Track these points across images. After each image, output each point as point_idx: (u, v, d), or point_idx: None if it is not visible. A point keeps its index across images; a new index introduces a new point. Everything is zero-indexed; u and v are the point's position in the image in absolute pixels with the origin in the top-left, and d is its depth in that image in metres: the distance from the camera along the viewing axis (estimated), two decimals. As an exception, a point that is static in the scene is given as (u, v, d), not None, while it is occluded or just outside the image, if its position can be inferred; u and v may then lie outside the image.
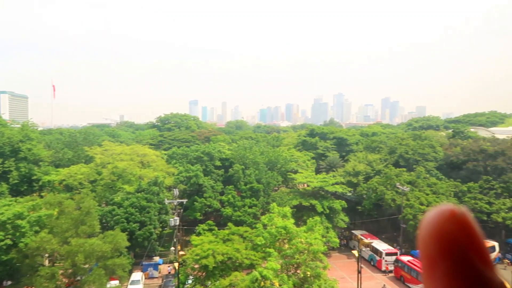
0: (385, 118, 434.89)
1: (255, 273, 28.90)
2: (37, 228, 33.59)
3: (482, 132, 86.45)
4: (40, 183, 54.00)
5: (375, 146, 71.51)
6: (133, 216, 43.10)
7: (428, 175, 55.69)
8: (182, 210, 51.13)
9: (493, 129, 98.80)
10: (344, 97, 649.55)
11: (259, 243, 33.78)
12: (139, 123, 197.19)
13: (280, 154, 62.59)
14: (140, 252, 44.79)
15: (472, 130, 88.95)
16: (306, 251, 32.54)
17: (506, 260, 48.46)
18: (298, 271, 32.53)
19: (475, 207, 50.56)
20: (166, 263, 46.06)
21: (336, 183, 52.27)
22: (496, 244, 48.84)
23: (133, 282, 39.00)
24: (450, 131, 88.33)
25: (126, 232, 39.60)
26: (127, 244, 36.28)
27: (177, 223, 45.36)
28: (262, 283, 28.90)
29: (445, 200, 50.62)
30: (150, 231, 42.94)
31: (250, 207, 49.69)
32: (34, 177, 53.26)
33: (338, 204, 50.12)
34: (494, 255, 48.22)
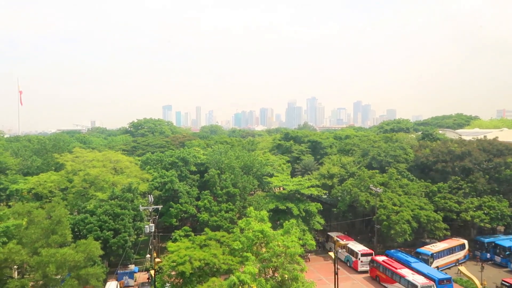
0: (357, 121, 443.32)
1: (233, 278, 28.73)
2: (4, 239, 32.28)
3: (450, 134, 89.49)
4: (8, 192, 51.94)
5: (348, 149, 72.73)
6: (106, 224, 42.02)
7: (400, 176, 57.08)
8: (157, 216, 50.31)
9: (459, 131, 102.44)
10: (317, 101, 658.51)
11: (237, 247, 33.65)
12: (111, 129, 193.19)
13: (255, 158, 62.66)
14: (115, 260, 43.72)
15: (440, 132, 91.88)
16: (283, 254, 32.59)
17: (477, 258, 50.11)
18: (275, 275, 32.53)
19: (445, 206, 52.20)
20: (142, 271, 45.14)
21: (312, 186, 52.76)
22: (465, 242, 50.60)
23: (107, 291, 37.95)
24: (419, 133, 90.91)
25: (100, 241, 38.57)
26: (101, 252, 35.36)
27: (153, 230, 44.57)
28: (240, 288, 28.77)
29: (417, 200, 52.04)
30: (124, 239, 41.96)
31: (226, 211, 49.41)
32: (1, 186, 51.16)
33: (314, 207, 50.59)
34: (464, 253, 49.91)
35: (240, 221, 38.03)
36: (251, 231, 34.12)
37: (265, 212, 37.39)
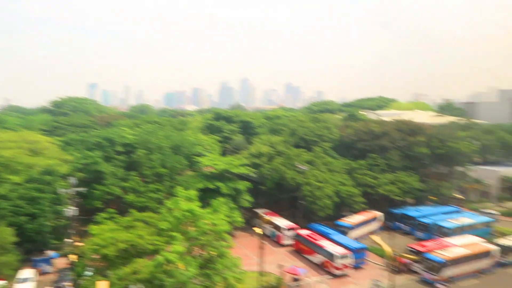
0: (287, 102, 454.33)
1: (159, 257, 28.73)
2: None
3: (371, 115, 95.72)
4: None
5: (278, 129, 74.81)
6: (22, 209, 39.34)
7: (324, 155, 60.14)
8: (80, 199, 48.08)
9: (380, 112, 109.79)
10: (250, 82, 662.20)
11: (164, 227, 33.45)
12: (29, 107, 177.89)
13: (185, 138, 62.04)
14: (33, 247, 41.23)
15: (362, 113, 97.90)
16: (211, 232, 33.14)
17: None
18: (203, 252, 33.06)
19: (363, 182, 56.30)
20: (63, 257, 43.14)
21: (242, 165, 53.72)
22: (379, 214, 55.18)
23: (22, 280, 35.60)
24: (344, 114, 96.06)
25: (15, 227, 36.12)
26: (14, 239, 33.17)
27: (74, 213, 42.62)
28: (166, 267, 28.88)
29: (339, 177, 55.41)
30: (42, 224, 39.66)
31: (154, 192, 48.70)
32: None
33: (242, 185, 51.73)
34: (378, 224, 54.46)
35: (167, 201, 37.80)
36: (179, 210, 34.09)
37: (194, 192, 37.46)
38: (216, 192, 49.46)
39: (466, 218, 52.54)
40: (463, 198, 65.36)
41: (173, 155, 54.84)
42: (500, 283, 39.36)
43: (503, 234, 50.34)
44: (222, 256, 32.28)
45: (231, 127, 77.71)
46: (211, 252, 32.39)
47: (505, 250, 43.50)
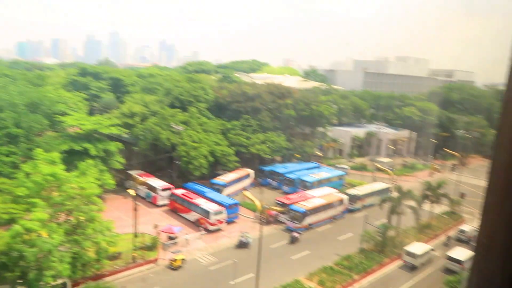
0: (162, 61, 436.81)
1: (17, 227, 25.92)
2: None
3: (245, 78, 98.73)
4: None
5: (152, 88, 71.89)
6: None
7: (200, 115, 60.40)
8: None
9: (253, 75, 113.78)
10: (121, 36, 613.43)
11: (21, 194, 30.07)
12: None
13: (45, 95, 55.20)
14: None
15: (237, 75, 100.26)
16: (78, 196, 31.04)
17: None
18: (70, 218, 30.92)
19: (237, 142, 58.70)
20: None
21: (112, 125, 50.54)
22: (251, 171, 58.68)
23: None
24: (219, 75, 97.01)
25: None
26: None
27: None
28: (26, 237, 26.30)
29: (214, 137, 56.59)
30: None
31: (7, 155, 42.80)
32: None
33: (113, 146, 48.97)
34: (250, 180, 57.98)
35: (24, 165, 33.82)
36: (39, 175, 30.86)
37: (57, 154, 34.24)
38: (84, 154, 45.88)
39: (324, 173, 59.50)
40: (322, 155, 73.51)
41: (29, 114, 48.48)
42: (348, 225, 46.28)
43: (352, 185, 58.71)
44: (92, 221, 30.72)
45: (99, 84, 71.87)
46: (79, 217, 30.50)
47: (353, 198, 50.97)
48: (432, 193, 46.05)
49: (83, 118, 51.27)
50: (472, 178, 65.32)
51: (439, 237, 44.78)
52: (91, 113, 61.88)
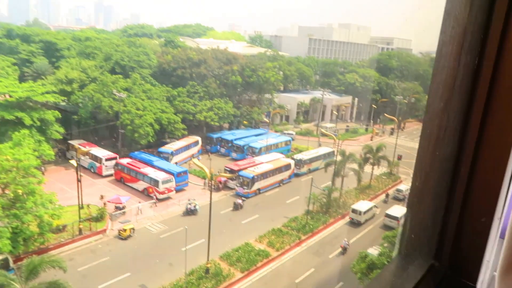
0: (98, 23, 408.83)
1: None
2: None
3: (189, 43, 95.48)
4: None
5: (89, 52, 67.35)
6: None
7: (143, 82, 58.06)
8: None
9: (198, 40, 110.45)
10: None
11: None
12: None
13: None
14: None
15: (181, 40, 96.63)
16: (14, 169, 29.12)
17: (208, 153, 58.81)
18: (6, 191, 29.05)
19: (184, 109, 57.48)
20: None
21: (47, 92, 47.13)
22: (199, 138, 58.16)
23: None
24: (162, 40, 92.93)
25: None
26: None
27: None
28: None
29: (159, 104, 54.88)
30: None
31: None
32: None
33: (50, 115, 45.86)
34: (198, 148, 57.52)
35: None
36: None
37: (-14, 124, 31.54)
38: (18, 124, 42.67)
39: (271, 139, 60.44)
40: (270, 121, 74.44)
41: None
42: (295, 189, 47.93)
43: (299, 150, 60.37)
44: (32, 194, 29.18)
45: (30, 47, 65.83)
46: (17, 191, 28.76)
47: (299, 163, 52.56)
48: (373, 156, 48.74)
49: (13, 85, 47.27)
50: (409, 141, 69.86)
51: (379, 196, 47.87)
52: (22, 79, 56.94)
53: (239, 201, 41.87)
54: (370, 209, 41.13)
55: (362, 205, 41.26)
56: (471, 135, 1.78)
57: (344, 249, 34.55)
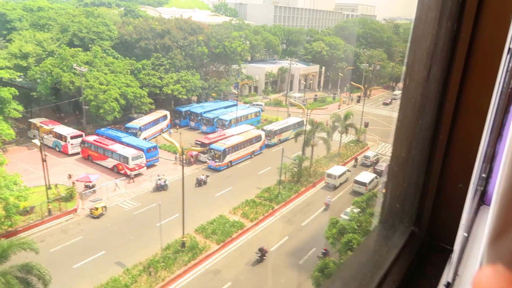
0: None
1: None
2: None
3: (151, 12, 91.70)
4: None
5: (43, 24, 63.43)
6: None
7: (105, 55, 55.59)
8: None
9: (160, 9, 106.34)
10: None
11: None
12: None
13: None
14: None
15: (142, 9, 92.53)
16: (-27, 151, 27.64)
17: (177, 127, 57.90)
18: (-34, 175, 27.66)
19: (149, 82, 55.82)
20: None
21: (1, 68, 44.34)
22: (167, 112, 57.04)
23: None
24: (122, 9, 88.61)
25: None
26: None
27: None
28: None
29: (123, 78, 52.90)
30: None
31: None
32: None
33: (7, 92, 43.21)
34: (166, 122, 56.50)
35: None
36: None
37: None
38: (-29, 103, 40.19)
39: (241, 111, 60.14)
40: (238, 93, 73.83)
41: None
42: (266, 160, 48.40)
43: (269, 121, 60.55)
44: (-5, 176, 27.92)
45: (-23, 19, 61.26)
46: (-22, 174, 27.44)
47: (269, 134, 52.86)
48: (341, 124, 49.69)
49: (-38, 61, 44.11)
50: (375, 108, 71.57)
51: (348, 163, 49.22)
52: (-29, 54, 53.13)
53: (202, 176, 40.97)
54: (344, 173, 43.07)
55: (336, 169, 43.11)
56: (450, 102, 1.79)
57: (327, 205, 37.69)
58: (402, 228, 1.99)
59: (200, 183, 40.46)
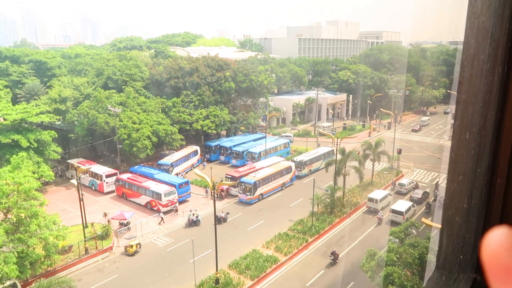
0: (87, 39, 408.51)
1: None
2: None
3: (180, 52, 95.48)
4: None
5: (80, 69, 67.31)
6: None
7: (137, 95, 57.89)
8: None
9: (188, 48, 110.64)
10: (37, 12, 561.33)
11: None
12: None
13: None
14: None
15: (171, 49, 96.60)
16: (15, 193, 28.84)
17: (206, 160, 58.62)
18: (9, 216, 28.74)
19: (180, 119, 57.32)
20: None
21: (41, 113, 46.89)
22: (198, 148, 57.99)
23: None
24: (152, 51, 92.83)
25: None
26: None
27: None
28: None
29: (155, 116, 54.63)
30: None
31: None
32: None
33: (47, 135, 45.64)
34: (197, 157, 57.34)
35: None
36: (-35, 174, 28.13)
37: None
38: (15, 147, 42.43)
39: (270, 143, 60.34)
40: (267, 125, 74.41)
41: None
42: (297, 191, 47.83)
43: (298, 152, 60.31)
44: (35, 216, 28.87)
45: (20, 68, 65.53)
46: (20, 215, 28.45)
47: (300, 164, 52.48)
48: (372, 152, 48.74)
49: (6, 108, 46.96)
50: (406, 134, 70.06)
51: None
52: (15, 101, 56.66)
53: (222, 214, 39.26)
54: (385, 196, 42.81)
55: (378, 193, 42.91)
56: (507, 129, 1.58)
57: (380, 220, 39.35)
58: (463, 275, 1.84)
59: (220, 220, 37.89)
